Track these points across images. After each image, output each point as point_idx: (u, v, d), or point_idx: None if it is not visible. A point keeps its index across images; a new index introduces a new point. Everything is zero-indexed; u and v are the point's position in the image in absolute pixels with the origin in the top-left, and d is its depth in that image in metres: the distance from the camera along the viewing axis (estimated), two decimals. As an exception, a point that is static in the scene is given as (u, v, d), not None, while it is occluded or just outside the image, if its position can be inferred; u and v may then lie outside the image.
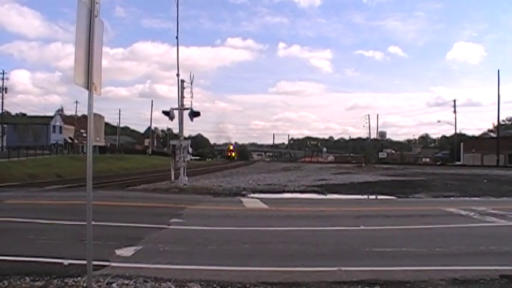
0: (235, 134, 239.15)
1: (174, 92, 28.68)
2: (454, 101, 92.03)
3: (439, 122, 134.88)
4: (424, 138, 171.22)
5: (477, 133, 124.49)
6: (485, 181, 32.81)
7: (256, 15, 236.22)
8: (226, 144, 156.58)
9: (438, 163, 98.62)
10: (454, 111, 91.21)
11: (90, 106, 5.87)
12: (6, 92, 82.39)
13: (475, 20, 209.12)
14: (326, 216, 14.84)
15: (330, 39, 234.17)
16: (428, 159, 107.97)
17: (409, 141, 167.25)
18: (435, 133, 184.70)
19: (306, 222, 13.44)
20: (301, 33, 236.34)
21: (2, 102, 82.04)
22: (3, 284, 6.57)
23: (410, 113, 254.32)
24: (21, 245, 9.28)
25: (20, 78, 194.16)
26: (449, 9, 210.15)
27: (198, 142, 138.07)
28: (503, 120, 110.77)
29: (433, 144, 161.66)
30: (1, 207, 15.65)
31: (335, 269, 7.79)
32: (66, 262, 7.67)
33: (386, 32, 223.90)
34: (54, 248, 8.98)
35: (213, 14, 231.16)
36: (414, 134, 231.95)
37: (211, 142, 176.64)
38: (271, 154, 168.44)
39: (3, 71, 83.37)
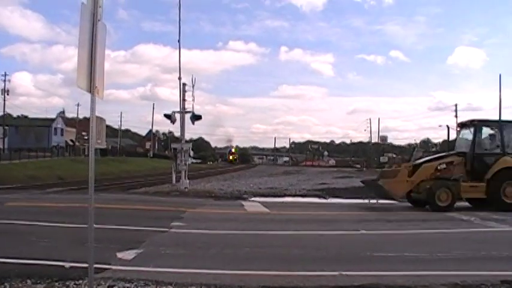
0: (237, 137, 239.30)
1: (175, 95, 28.72)
2: (456, 105, 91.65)
3: (440, 126, 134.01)
4: (426, 142, 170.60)
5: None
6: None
7: (256, 19, 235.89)
8: (227, 147, 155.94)
9: None
10: (456, 116, 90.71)
11: (92, 109, 5.87)
12: (8, 94, 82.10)
13: (475, 24, 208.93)
14: (327, 220, 14.86)
15: (331, 43, 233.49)
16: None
17: (410, 145, 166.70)
18: (436, 137, 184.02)
19: (307, 226, 13.46)
20: (301, 37, 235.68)
21: (4, 105, 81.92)
22: (5, 286, 6.57)
23: (412, 117, 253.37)
24: (22, 247, 9.27)
25: (21, 80, 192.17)
26: (449, 13, 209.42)
27: (199, 145, 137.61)
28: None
29: (434, 149, 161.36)
30: (2, 209, 15.64)
31: (336, 273, 7.79)
32: (67, 265, 7.67)
33: (386, 36, 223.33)
34: (56, 251, 8.97)
35: (213, 17, 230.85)
36: (415, 138, 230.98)
37: (213, 145, 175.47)
38: (286, 158, 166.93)
39: (5, 73, 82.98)
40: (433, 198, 17.78)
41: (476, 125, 19.34)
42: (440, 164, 18.71)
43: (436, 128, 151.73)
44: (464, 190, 18.29)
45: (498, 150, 18.86)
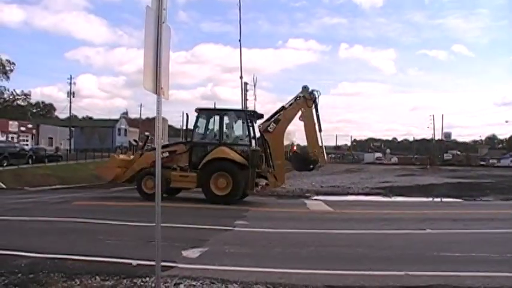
0: (298, 135, 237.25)
1: (235, 95, 28.95)
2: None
3: (506, 122, 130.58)
4: (491, 139, 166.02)
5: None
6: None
7: (314, 17, 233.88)
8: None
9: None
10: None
11: (158, 110, 5.97)
12: (73, 96, 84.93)
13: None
14: (391, 219, 14.64)
15: (391, 39, 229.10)
16: (495, 161, 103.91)
17: (475, 142, 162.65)
18: (503, 133, 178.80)
19: (371, 225, 13.31)
20: (361, 33, 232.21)
21: (70, 106, 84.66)
22: (75, 282, 6.77)
23: (476, 112, 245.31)
24: (90, 245, 9.55)
25: (86, 82, 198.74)
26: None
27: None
28: None
29: (500, 145, 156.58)
30: (70, 208, 16.15)
31: (402, 273, 7.66)
32: (134, 262, 7.85)
33: (448, 30, 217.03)
34: (122, 249, 9.19)
35: (271, 16, 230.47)
36: (480, 134, 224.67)
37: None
38: (379, 154, 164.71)
39: (71, 76, 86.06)
40: (140, 185, 18.75)
41: (198, 113, 19.28)
42: (162, 152, 18.20)
43: (502, 123, 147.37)
44: (174, 179, 18.42)
45: (216, 140, 18.85)
